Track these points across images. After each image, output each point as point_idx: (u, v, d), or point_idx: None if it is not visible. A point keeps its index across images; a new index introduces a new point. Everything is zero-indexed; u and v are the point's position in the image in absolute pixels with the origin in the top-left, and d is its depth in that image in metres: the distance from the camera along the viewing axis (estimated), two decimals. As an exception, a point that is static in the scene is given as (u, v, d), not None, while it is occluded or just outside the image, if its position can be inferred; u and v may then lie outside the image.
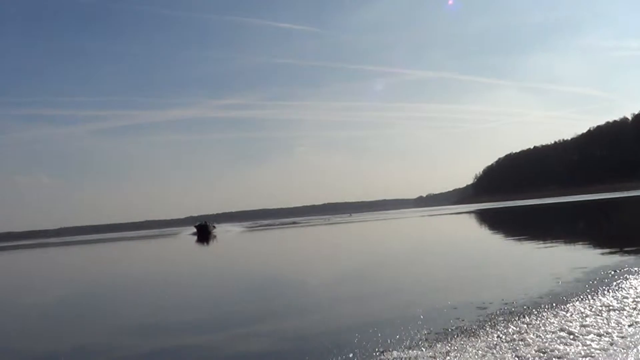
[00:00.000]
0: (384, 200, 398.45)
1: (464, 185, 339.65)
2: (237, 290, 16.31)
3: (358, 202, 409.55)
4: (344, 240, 43.75)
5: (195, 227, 75.11)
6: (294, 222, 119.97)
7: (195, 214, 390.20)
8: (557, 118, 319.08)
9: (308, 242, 46.70)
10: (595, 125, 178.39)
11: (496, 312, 9.13)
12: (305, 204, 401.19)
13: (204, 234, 69.57)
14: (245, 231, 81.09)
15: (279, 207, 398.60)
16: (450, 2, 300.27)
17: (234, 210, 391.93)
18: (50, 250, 79.83)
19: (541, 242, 22.83)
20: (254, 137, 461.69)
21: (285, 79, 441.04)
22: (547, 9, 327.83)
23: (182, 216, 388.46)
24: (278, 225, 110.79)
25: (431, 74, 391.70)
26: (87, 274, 30.10)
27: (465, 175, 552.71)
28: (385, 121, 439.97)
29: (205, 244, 52.35)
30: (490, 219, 60.12)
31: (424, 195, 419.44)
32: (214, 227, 79.29)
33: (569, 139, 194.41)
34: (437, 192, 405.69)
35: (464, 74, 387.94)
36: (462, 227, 48.73)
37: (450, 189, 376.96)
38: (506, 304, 9.69)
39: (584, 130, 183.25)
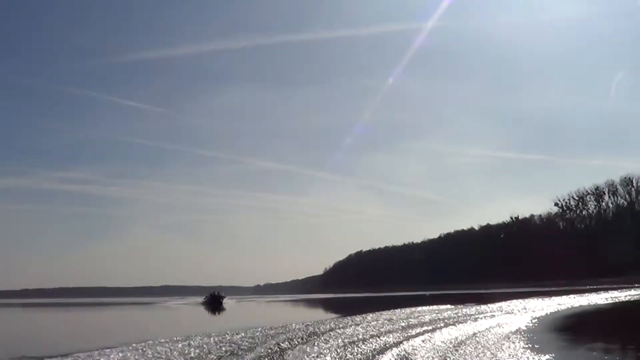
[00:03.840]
0: (220, 286, 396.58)
1: (305, 276, 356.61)
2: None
3: (195, 286, 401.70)
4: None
5: (209, 296, 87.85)
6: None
7: (30, 287, 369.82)
8: (396, 218, 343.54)
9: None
10: (445, 232, 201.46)
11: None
12: (143, 285, 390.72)
13: (215, 304, 79.37)
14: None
15: (113, 285, 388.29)
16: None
17: (70, 285, 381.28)
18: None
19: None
20: (90, 213, 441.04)
21: (128, 157, 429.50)
22: (389, 110, 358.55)
23: (17, 288, 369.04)
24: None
25: (274, 165, 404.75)
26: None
27: (304, 267, 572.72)
28: (224, 208, 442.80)
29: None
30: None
31: (262, 285, 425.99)
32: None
33: (419, 241, 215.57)
34: (274, 282, 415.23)
35: (306, 167, 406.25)
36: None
37: (288, 280, 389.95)
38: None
39: (427, 233, 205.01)
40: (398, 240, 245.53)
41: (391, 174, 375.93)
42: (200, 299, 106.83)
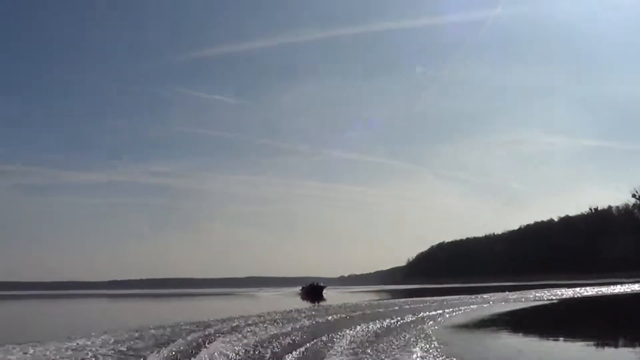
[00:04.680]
0: (307, 277, 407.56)
1: (389, 267, 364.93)
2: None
3: (282, 277, 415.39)
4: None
5: (308, 286, 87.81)
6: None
7: (119, 279, 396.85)
8: (476, 207, 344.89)
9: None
10: (525, 224, 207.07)
11: None
12: (227, 276, 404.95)
13: (315, 294, 78.46)
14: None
15: (199, 277, 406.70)
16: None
17: (154, 277, 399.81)
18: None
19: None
20: (173, 205, 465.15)
21: (209, 149, 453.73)
22: (467, 98, 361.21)
23: (105, 279, 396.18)
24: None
25: (352, 155, 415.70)
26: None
27: (389, 257, 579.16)
28: (304, 199, 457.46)
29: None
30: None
31: (346, 275, 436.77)
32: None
33: (500, 233, 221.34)
34: (358, 272, 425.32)
35: (384, 157, 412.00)
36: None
37: (372, 271, 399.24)
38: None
39: (508, 222, 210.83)
40: (479, 230, 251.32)
41: (469, 163, 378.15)
42: (294, 290, 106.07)
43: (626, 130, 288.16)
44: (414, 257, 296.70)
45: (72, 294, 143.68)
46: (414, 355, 15.32)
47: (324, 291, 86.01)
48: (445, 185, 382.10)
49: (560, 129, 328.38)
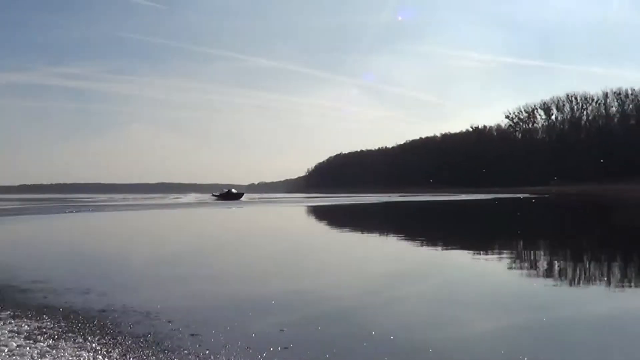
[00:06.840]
0: (218, 184, 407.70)
1: (296, 176, 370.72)
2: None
3: (191, 184, 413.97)
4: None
5: (224, 194, 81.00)
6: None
7: (29, 183, 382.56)
8: (395, 119, 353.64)
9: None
10: (410, 139, 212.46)
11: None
12: (140, 182, 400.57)
13: (232, 198, 77.20)
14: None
15: (112, 182, 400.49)
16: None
17: (68, 182, 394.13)
18: None
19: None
20: (89, 109, 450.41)
21: (127, 53, 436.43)
22: (391, 12, 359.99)
23: (16, 184, 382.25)
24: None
25: (274, 64, 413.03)
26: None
27: (297, 166, 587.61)
28: (222, 106, 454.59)
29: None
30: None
31: (256, 183, 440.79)
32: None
33: (390, 147, 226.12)
34: (268, 180, 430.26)
35: (305, 67, 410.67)
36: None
37: (282, 179, 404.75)
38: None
39: (405, 139, 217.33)
40: (386, 141, 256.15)
41: (391, 76, 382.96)
42: (205, 196, 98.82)
43: (542, 48, 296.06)
44: (313, 168, 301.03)
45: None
46: None
47: (241, 198, 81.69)
48: (368, 98, 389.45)
49: (480, 45, 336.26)
